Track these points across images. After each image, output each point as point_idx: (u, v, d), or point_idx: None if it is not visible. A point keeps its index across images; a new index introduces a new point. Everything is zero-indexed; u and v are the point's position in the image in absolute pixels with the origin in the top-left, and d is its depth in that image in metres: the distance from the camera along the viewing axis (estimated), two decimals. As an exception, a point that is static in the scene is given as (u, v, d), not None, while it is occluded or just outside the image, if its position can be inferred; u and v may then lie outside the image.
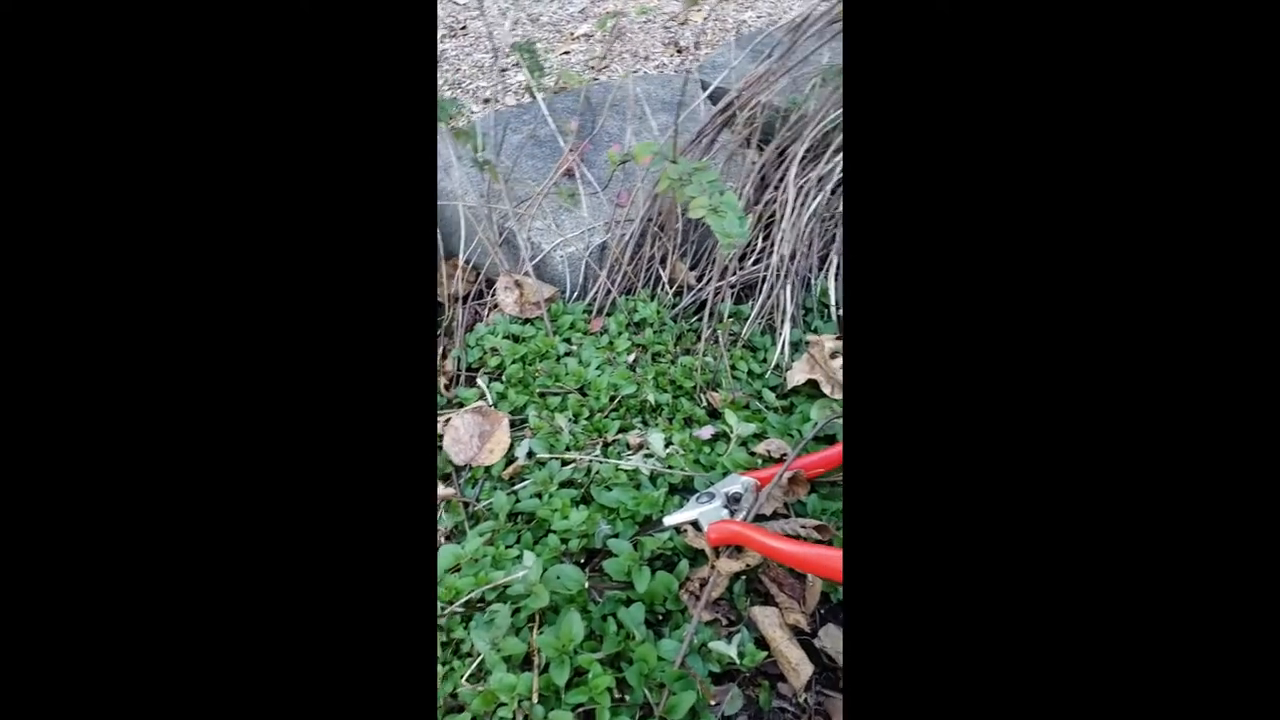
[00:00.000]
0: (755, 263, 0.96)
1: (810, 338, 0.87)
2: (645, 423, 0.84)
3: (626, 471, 0.76)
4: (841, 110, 0.95)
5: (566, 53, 2.17)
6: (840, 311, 0.91)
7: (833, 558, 0.61)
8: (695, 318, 0.96)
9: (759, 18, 2.30)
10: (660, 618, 0.67)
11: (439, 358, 0.93)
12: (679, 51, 2.13)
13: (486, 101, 1.91)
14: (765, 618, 0.66)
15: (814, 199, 0.93)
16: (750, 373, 0.88)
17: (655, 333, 0.93)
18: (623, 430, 0.82)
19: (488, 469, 0.79)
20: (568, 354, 0.91)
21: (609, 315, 0.95)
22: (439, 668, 0.63)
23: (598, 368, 0.88)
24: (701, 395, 0.86)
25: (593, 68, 2.04)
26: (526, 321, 0.94)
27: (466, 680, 0.62)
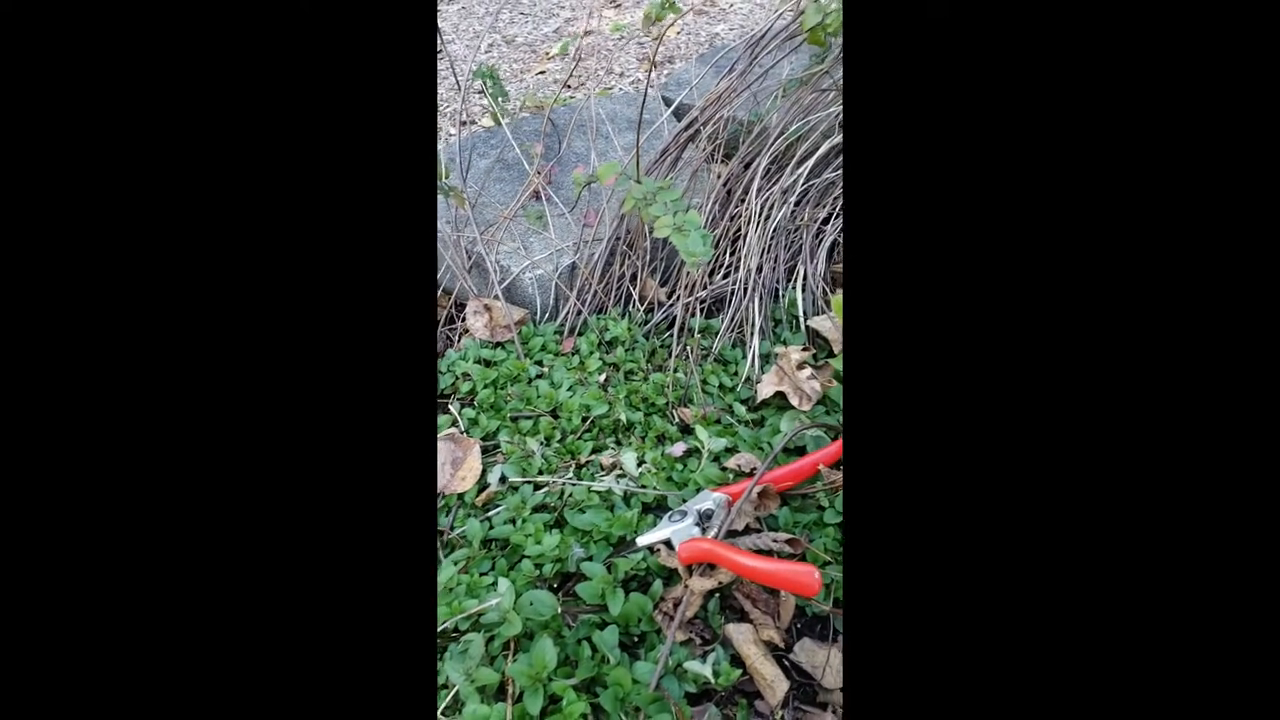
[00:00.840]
0: (724, 277, 0.97)
1: (778, 350, 0.87)
2: (618, 442, 0.84)
3: (599, 493, 0.76)
4: (803, 122, 0.96)
5: (542, 72, 2.19)
6: (809, 322, 0.91)
7: (803, 573, 0.60)
8: (667, 334, 0.96)
9: (730, 30, 2.33)
10: (635, 640, 0.67)
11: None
12: (654, 67, 2.15)
13: (467, 124, 1.92)
14: (740, 635, 0.65)
15: (778, 211, 0.93)
16: (722, 386, 0.88)
17: (627, 351, 0.93)
18: (596, 451, 0.82)
19: (461, 496, 0.79)
20: (539, 376, 0.91)
21: (580, 335, 0.96)
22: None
23: (569, 389, 0.88)
24: (673, 412, 0.86)
25: (568, 86, 2.06)
26: (497, 345, 0.95)
27: (442, 714, 0.61)
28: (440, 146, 1.20)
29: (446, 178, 0.95)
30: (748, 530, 0.72)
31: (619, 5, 2.64)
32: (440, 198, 1.02)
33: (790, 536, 0.69)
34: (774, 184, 0.94)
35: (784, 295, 0.94)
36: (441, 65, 2.24)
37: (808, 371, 0.83)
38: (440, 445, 0.81)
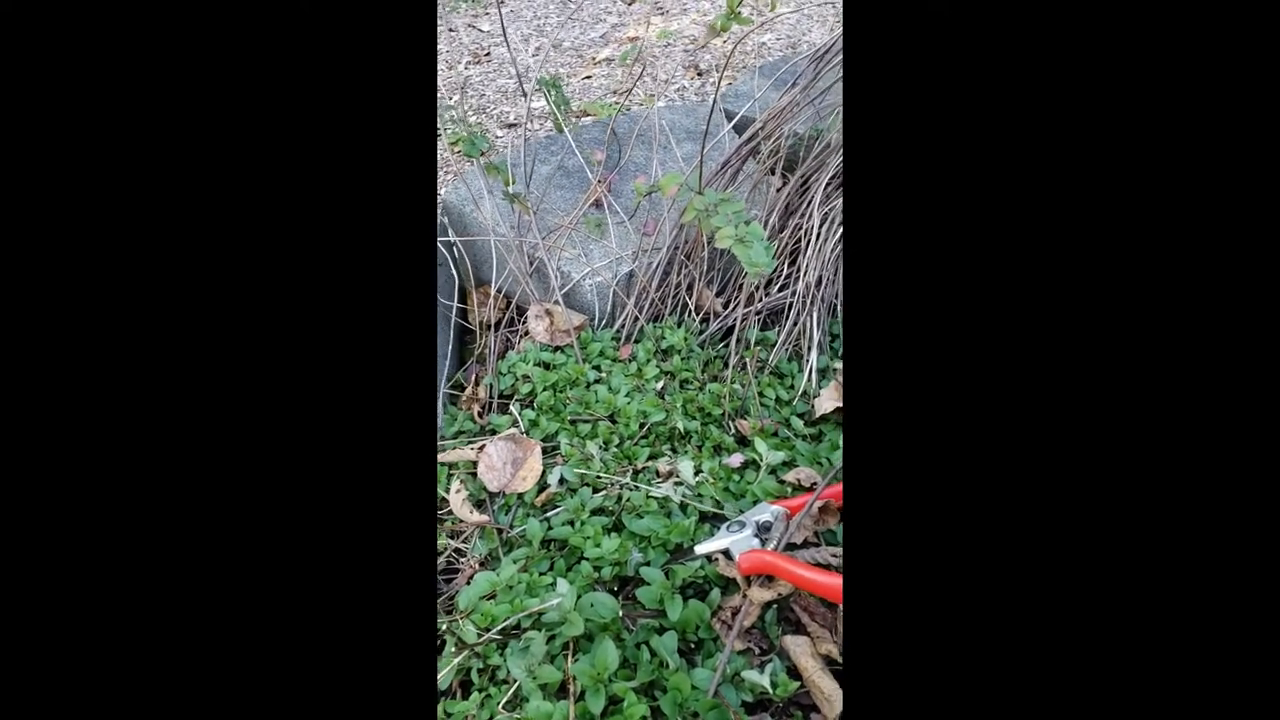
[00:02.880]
0: (781, 289, 0.98)
1: (838, 364, 0.88)
2: (674, 450, 0.85)
3: (657, 499, 0.78)
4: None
5: (588, 78, 2.22)
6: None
7: (865, 589, 0.61)
8: (722, 344, 0.97)
9: (778, 39, 2.34)
10: (693, 646, 0.68)
11: (472, 384, 0.95)
12: (699, 75, 2.16)
13: (510, 126, 1.96)
14: (797, 647, 0.66)
15: (839, 226, 0.94)
16: (778, 399, 0.89)
17: (683, 360, 0.94)
18: (652, 458, 0.83)
19: (521, 496, 0.80)
20: (597, 381, 0.93)
21: (637, 343, 0.97)
22: (476, 694, 0.64)
23: (627, 395, 0.89)
24: (730, 422, 0.87)
25: (615, 93, 2.09)
26: (557, 349, 0.97)
27: (503, 707, 0.63)
28: (498, 143, 1.23)
29: (512, 184, 0.97)
30: (806, 544, 0.72)
31: (665, 11, 2.66)
32: (504, 202, 1.04)
33: (849, 552, 0.70)
34: (835, 199, 0.95)
35: (842, 310, 0.95)
36: (490, 68, 2.28)
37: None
38: (501, 445, 0.83)
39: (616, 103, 1.99)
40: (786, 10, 2.29)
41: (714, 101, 0.83)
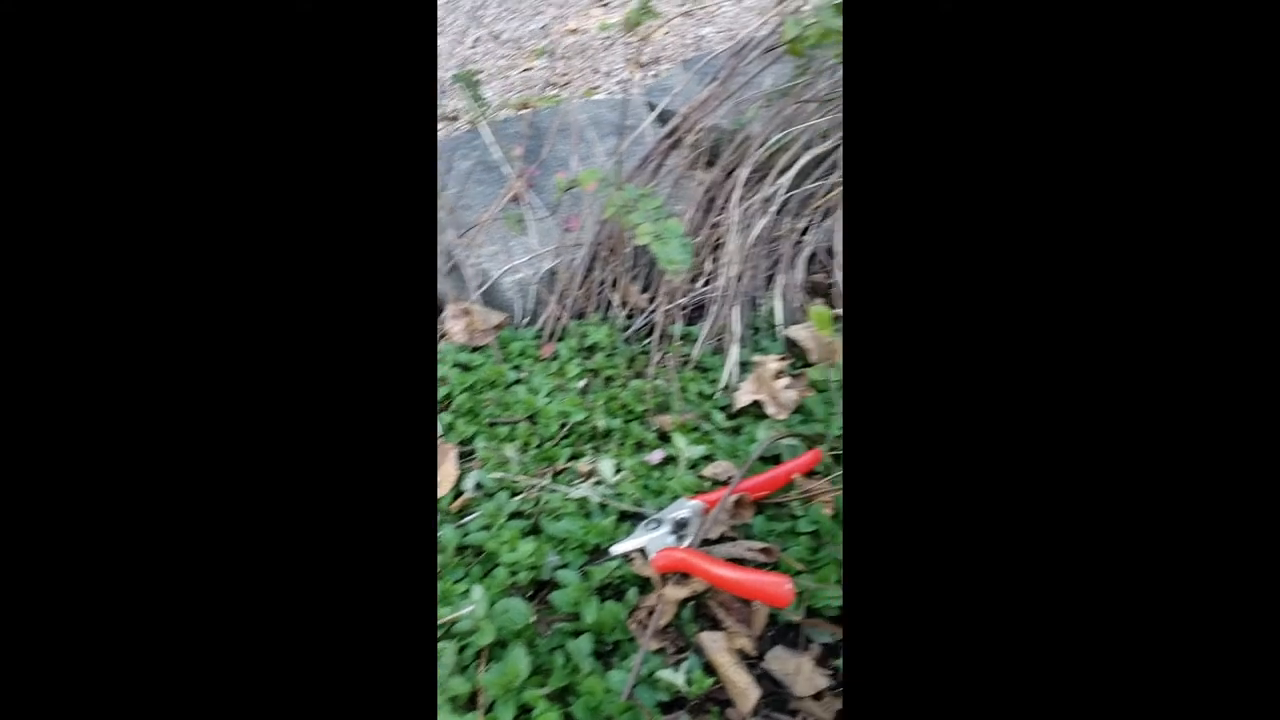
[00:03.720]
0: (705, 284, 0.97)
1: (755, 359, 0.88)
2: (596, 449, 0.84)
3: (576, 500, 0.76)
4: (785, 133, 0.97)
5: (528, 69, 2.18)
6: (786, 331, 0.92)
7: (774, 583, 0.61)
8: (647, 340, 0.96)
9: (719, 32, 2.34)
10: (609, 648, 0.67)
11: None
12: (640, 67, 2.15)
13: (453, 119, 1.91)
14: (712, 643, 0.66)
15: (760, 220, 0.94)
16: (701, 394, 0.89)
17: (607, 356, 0.93)
18: (574, 458, 0.82)
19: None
20: (517, 382, 0.91)
21: (560, 340, 0.96)
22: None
23: (547, 395, 0.88)
24: (652, 419, 0.86)
25: (553, 85, 2.06)
26: (476, 349, 0.94)
27: (412, 722, 0.61)
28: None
29: (426, 180, 0.94)
30: (722, 539, 0.72)
31: (606, 4, 2.63)
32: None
33: (765, 545, 0.70)
34: (755, 193, 0.95)
35: (762, 304, 0.95)
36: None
37: (785, 381, 0.84)
38: (416, 451, 0.81)
39: (553, 94, 1.96)
40: (714, 1, 2.29)
41: (625, 93, 0.82)
